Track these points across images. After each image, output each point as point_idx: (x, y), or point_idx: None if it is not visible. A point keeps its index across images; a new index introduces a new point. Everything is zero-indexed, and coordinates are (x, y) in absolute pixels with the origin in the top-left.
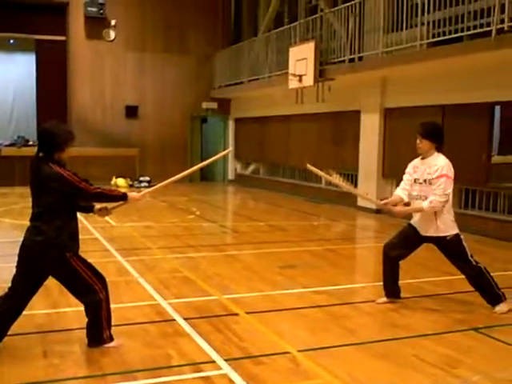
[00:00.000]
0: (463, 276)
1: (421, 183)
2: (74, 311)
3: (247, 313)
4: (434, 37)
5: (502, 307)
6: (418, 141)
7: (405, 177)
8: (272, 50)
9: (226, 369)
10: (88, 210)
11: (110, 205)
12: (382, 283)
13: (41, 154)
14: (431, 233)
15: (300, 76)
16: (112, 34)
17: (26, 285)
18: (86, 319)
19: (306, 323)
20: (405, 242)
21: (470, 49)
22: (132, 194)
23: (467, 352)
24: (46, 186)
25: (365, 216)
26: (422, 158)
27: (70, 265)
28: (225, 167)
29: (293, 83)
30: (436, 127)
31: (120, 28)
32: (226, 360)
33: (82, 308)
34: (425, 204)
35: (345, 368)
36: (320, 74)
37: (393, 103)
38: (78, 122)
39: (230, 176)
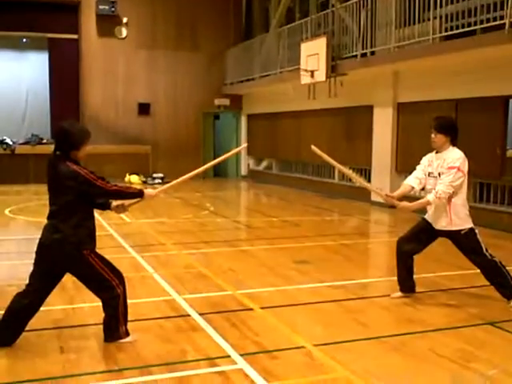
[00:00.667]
0: (478, 270)
1: (435, 177)
2: (89, 307)
3: (262, 308)
4: (446, 30)
5: None
6: (432, 135)
7: (418, 167)
8: (283, 45)
9: (241, 363)
10: (105, 207)
11: (126, 202)
12: (396, 278)
13: (57, 153)
14: (445, 226)
15: (312, 71)
16: (124, 32)
17: (43, 282)
18: (103, 314)
19: (321, 318)
20: (418, 236)
21: (483, 42)
22: (148, 191)
23: (483, 346)
24: (62, 184)
25: (378, 211)
26: (437, 152)
27: (88, 261)
28: (238, 163)
29: (305, 79)
30: (450, 121)
31: (132, 25)
32: (241, 355)
33: (97, 303)
34: (430, 197)
35: (360, 362)
36: (332, 70)
37: (406, 98)
38: (91, 119)
39: (243, 172)
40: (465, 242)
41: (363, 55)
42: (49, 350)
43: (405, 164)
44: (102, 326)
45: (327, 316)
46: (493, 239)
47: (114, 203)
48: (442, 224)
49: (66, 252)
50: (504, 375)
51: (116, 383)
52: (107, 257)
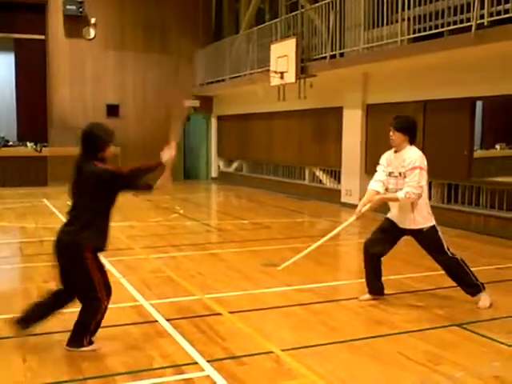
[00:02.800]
0: (444, 271)
1: (396, 176)
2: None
3: (230, 312)
4: (414, 32)
5: (484, 302)
6: (391, 133)
7: (379, 168)
8: (253, 46)
9: (208, 370)
10: (147, 188)
11: (161, 179)
12: (365, 280)
13: (84, 155)
14: (408, 225)
15: (281, 73)
16: (92, 33)
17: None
18: (76, 318)
19: (290, 322)
20: (384, 237)
21: (450, 44)
22: (164, 153)
23: (451, 348)
24: (87, 183)
25: (348, 212)
26: (395, 151)
27: (85, 263)
28: (208, 165)
29: (274, 80)
30: (409, 121)
31: (100, 26)
32: (208, 361)
33: (62, 311)
34: (400, 194)
35: (328, 367)
36: (301, 71)
37: (374, 99)
38: (59, 121)
39: (214, 174)
40: (427, 239)
41: (332, 57)
42: (10, 359)
43: (374, 165)
44: (67, 334)
45: (296, 320)
46: (462, 240)
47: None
48: (405, 223)
49: (70, 248)
50: (471, 377)
51: None
52: None
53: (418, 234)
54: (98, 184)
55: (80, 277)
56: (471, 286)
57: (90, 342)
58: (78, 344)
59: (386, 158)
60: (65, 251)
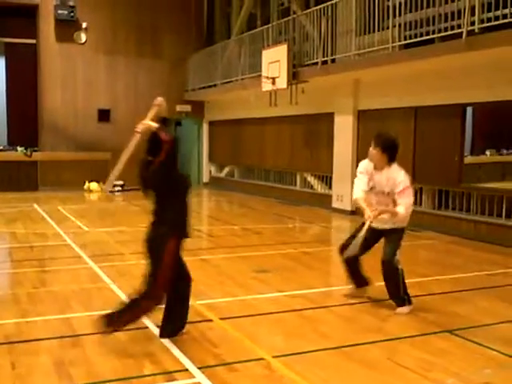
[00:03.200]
0: (435, 277)
1: (381, 193)
2: (43, 320)
3: (221, 318)
4: (405, 39)
5: (402, 310)
6: (371, 148)
7: (362, 177)
8: (245, 52)
9: (199, 377)
10: None
11: None
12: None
13: (150, 158)
14: (388, 226)
15: (273, 78)
16: (83, 37)
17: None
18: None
19: (281, 328)
20: (365, 243)
21: (441, 51)
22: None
23: (441, 354)
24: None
25: (340, 217)
26: (375, 168)
27: (164, 249)
28: (199, 170)
29: (266, 86)
30: (389, 140)
31: (91, 31)
32: (199, 368)
33: (51, 317)
34: (401, 210)
35: (320, 373)
36: (293, 77)
37: (366, 105)
38: (50, 126)
39: (205, 179)
40: (392, 235)
41: (324, 63)
42: (0, 366)
43: None
44: (55, 341)
45: (287, 326)
46: (452, 245)
47: None
48: (385, 226)
49: (159, 235)
50: (462, 383)
51: None
52: (63, 267)
53: (390, 231)
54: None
55: (155, 260)
56: (397, 297)
57: (122, 326)
58: (112, 323)
59: (366, 168)
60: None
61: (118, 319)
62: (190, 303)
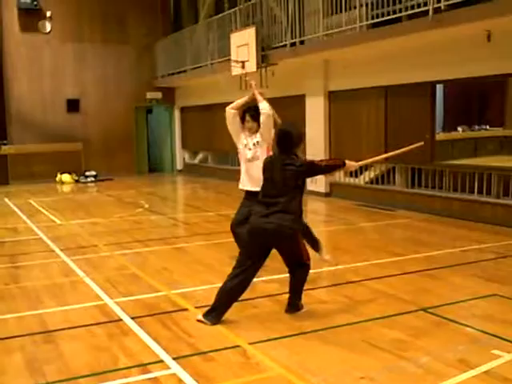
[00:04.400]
0: (410, 256)
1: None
2: (14, 317)
3: (197, 307)
4: (373, 18)
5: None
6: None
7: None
8: (213, 36)
9: (174, 368)
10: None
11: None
12: (333, 268)
13: (280, 153)
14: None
15: (242, 62)
16: (48, 26)
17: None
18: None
19: (257, 314)
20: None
21: (408, 29)
22: (351, 163)
23: (417, 333)
24: (290, 174)
25: (315, 200)
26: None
27: (296, 239)
28: (173, 157)
29: (236, 70)
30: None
31: (56, 19)
32: (174, 359)
33: (23, 314)
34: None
35: (296, 358)
36: (262, 60)
37: (336, 86)
38: (18, 118)
39: (179, 166)
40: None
41: (293, 44)
42: None
43: (338, 152)
44: (27, 338)
45: (263, 312)
46: (425, 223)
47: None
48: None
49: (286, 231)
50: (438, 362)
51: None
52: (35, 262)
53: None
54: (300, 174)
55: (291, 250)
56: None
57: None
58: (297, 307)
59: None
60: (281, 235)
61: (299, 296)
62: (165, 293)
